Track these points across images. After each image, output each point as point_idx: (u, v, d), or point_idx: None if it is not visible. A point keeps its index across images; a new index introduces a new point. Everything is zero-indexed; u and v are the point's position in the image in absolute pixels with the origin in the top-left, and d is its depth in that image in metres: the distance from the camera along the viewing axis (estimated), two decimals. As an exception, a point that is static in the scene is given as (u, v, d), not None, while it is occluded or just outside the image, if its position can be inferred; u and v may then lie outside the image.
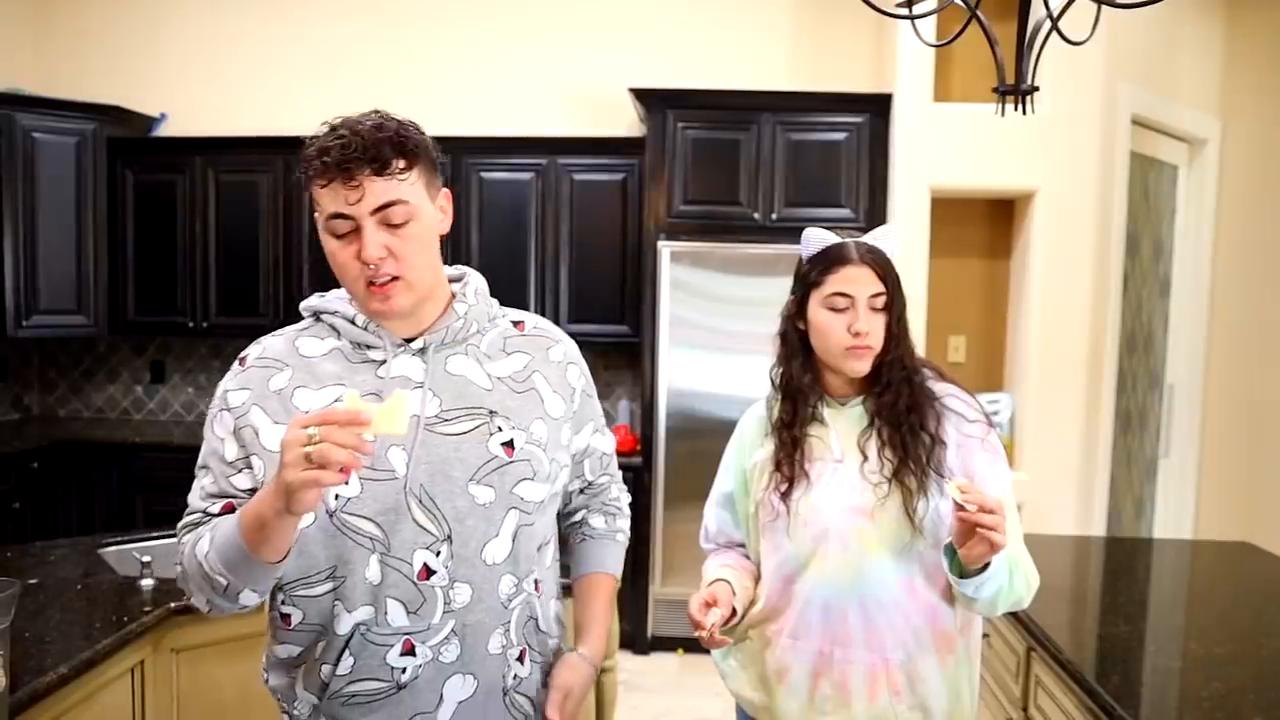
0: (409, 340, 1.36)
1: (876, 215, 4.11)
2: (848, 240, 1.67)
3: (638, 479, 4.27)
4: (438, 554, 1.30)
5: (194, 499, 1.35)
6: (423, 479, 1.30)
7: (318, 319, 1.40)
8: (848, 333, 1.61)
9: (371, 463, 1.25)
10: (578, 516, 1.61)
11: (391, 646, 1.30)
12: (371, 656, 1.30)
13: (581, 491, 1.60)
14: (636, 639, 4.28)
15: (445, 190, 1.38)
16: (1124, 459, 4.35)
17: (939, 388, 1.66)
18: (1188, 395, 4.63)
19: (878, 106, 4.11)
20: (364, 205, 1.25)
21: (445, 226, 1.37)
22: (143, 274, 4.77)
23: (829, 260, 1.65)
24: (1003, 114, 1.76)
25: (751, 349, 4.16)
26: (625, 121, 4.68)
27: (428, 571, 1.30)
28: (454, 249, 4.53)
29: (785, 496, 1.65)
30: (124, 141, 4.73)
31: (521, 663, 1.40)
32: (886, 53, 4.27)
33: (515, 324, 1.48)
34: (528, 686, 1.42)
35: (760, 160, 4.19)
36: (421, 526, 1.29)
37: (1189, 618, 2.27)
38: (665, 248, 4.21)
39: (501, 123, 4.66)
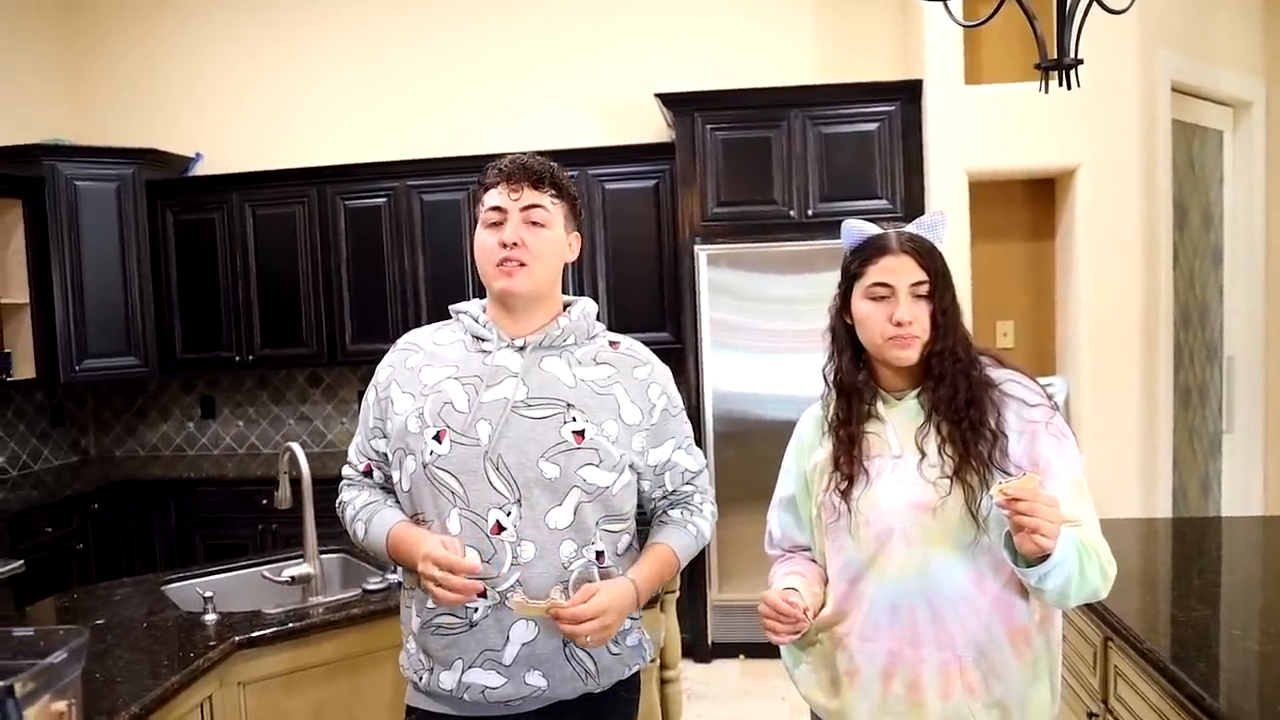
0: (515, 339, 1.67)
1: (914, 204, 4.05)
2: (888, 230, 1.63)
3: (688, 485, 4.23)
4: (509, 514, 1.58)
5: (351, 454, 1.79)
6: (501, 450, 1.59)
7: (456, 317, 1.75)
8: (889, 322, 1.58)
9: (463, 430, 1.60)
10: (658, 513, 1.82)
11: None
12: None
13: (664, 498, 1.80)
14: (696, 647, 4.24)
15: (578, 234, 1.74)
16: (1186, 436, 4.24)
17: (997, 374, 1.61)
18: (1248, 367, 4.50)
19: (908, 93, 4.05)
20: (517, 202, 1.64)
21: (571, 257, 1.72)
22: (188, 311, 4.84)
23: (869, 251, 1.62)
24: (1046, 90, 1.72)
25: (795, 348, 4.13)
26: (654, 128, 4.67)
27: (499, 528, 1.58)
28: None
29: (845, 495, 1.61)
30: (162, 183, 4.80)
31: None
32: (913, 38, 4.21)
33: (612, 343, 1.77)
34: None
35: (792, 157, 4.15)
36: (495, 488, 1.58)
37: (1269, 599, 2.19)
38: (702, 251, 4.18)
39: (531, 138, 4.65)
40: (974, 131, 3.87)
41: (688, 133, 4.21)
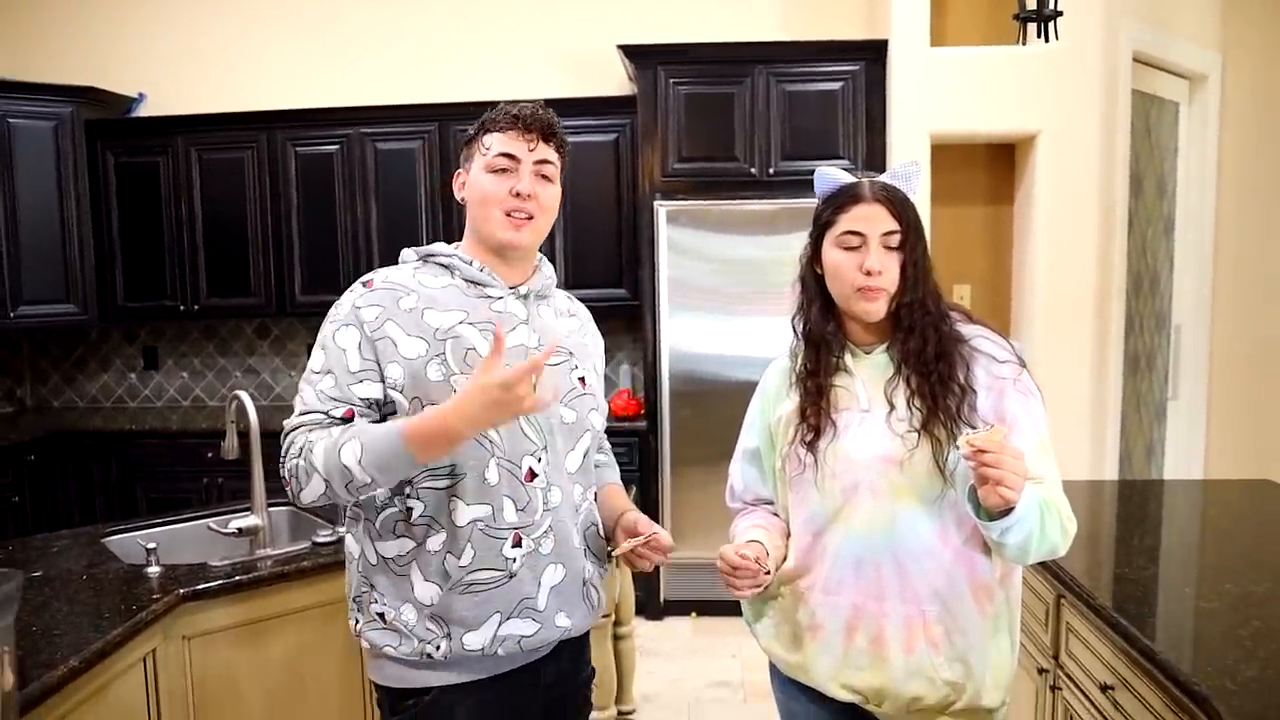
0: (513, 287, 1.65)
1: (875, 165, 4.03)
2: (862, 178, 1.60)
3: (643, 443, 4.23)
4: (539, 460, 1.57)
5: (311, 400, 1.54)
6: None
7: (426, 261, 1.65)
8: (859, 271, 1.55)
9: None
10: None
11: (505, 540, 1.55)
12: (490, 549, 1.54)
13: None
14: (649, 604, 4.25)
15: (561, 192, 1.70)
16: (1134, 402, 4.31)
17: (967, 330, 1.60)
18: (1194, 335, 4.58)
19: (873, 53, 4.02)
20: (532, 154, 1.60)
21: (555, 215, 1.68)
22: (130, 258, 4.68)
23: (841, 199, 1.59)
24: (1023, 42, 1.69)
25: (753, 310, 4.11)
26: (615, 80, 4.58)
27: (532, 474, 1.57)
28: (446, 214, 4.45)
29: (811, 447, 1.59)
30: (103, 124, 4.62)
31: (586, 558, 1.67)
32: (880, -2, 4.17)
33: (568, 297, 1.82)
34: (595, 580, 1.70)
35: (755, 114, 4.10)
36: (527, 435, 1.56)
37: (1220, 557, 2.23)
38: (661, 207, 4.13)
39: (488, 87, 4.55)
40: (938, 94, 3.86)
41: (650, 86, 4.14)
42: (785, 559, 1.66)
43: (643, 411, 4.41)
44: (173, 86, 4.82)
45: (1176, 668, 1.60)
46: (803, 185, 4.12)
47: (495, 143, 1.60)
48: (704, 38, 4.24)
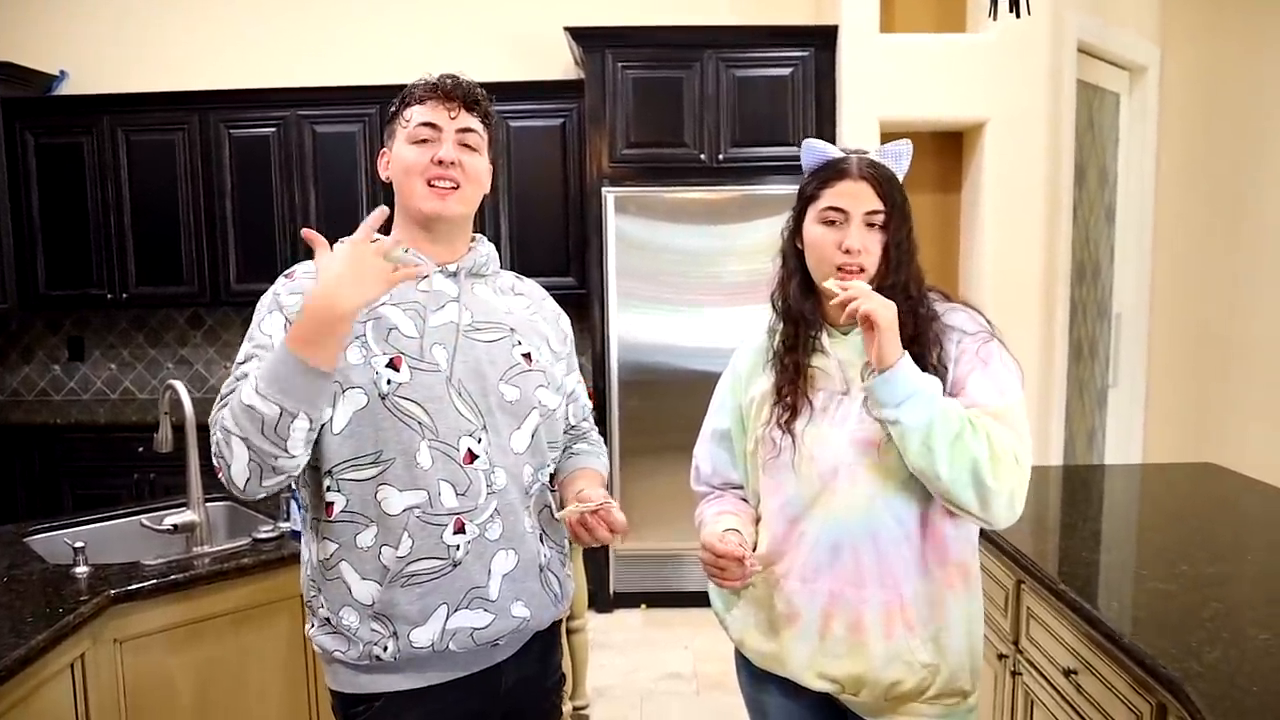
0: (442, 265, 1.57)
1: (826, 152, 4.00)
2: (849, 154, 1.56)
3: (593, 434, 4.15)
4: (479, 440, 1.48)
5: (231, 384, 1.46)
6: (461, 374, 1.50)
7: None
8: (838, 249, 1.51)
9: (420, 356, 1.47)
10: (565, 447, 1.75)
11: (445, 526, 1.46)
12: (429, 536, 1.45)
13: (566, 431, 1.73)
14: (599, 596, 4.19)
15: (491, 167, 1.64)
16: (1076, 389, 4.37)
17: (942, 307, 1.57)
18: (1134, 323, 4.66)
19: (823, 39, 3.99)
20: (455, 122, 1.54)
21: (486, 188, 1.62)
22: (52, 244, 4.46)
23: (826, 174, 1.54)
24: (994, 17, 1.66)
25: (701, 299, 4.07)
26: (561, 64, 4.50)
27: (471, 456, 1.48)
28: (387, 201, 4.31)
29: (788, 427, 1.55)
30: (21, 102, 4.39)
31: (543, 543, 1.58)
32: (829, -17, 4.15)
33: (517, 277, 1.74)
34: (554, 568, 1.61)
35: (704, 99, 4.05)
36: (463, 415, 1.48)
37: (1172, 540, 2.25)
38: (610, 194, 4.06)
39: (431, 69, 4.40)
40: (888, 80, 3.85)
41: (598, 70, 4.06)
42: (755, 546, 1.61)
43: (590, 403, 4.33)
44: (97, 64, 4.60)
45: (1143, 651, 1.59)
46: (752, 172, 4.14)
47: (416, 114, 1.54)
48: (652, 21, 4.18)
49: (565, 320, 1.75)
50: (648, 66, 4.06)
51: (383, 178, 1.60)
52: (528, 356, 1.58)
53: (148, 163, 4.41)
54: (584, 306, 4.27)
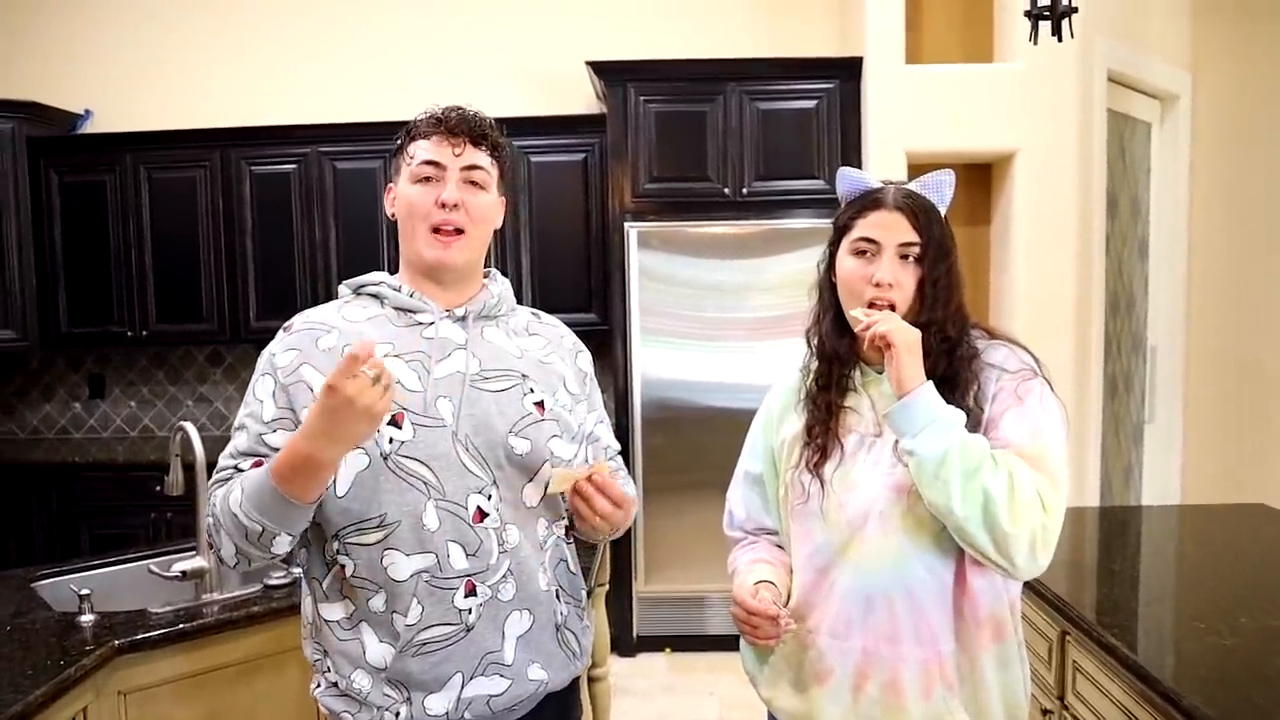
0: (450, 310, 1.50)
1: (851, 185, 3.94)
2: (887, 184, 1.49)
3: (615, 473, 4.06)
4: (489, 497, 1.41)
5: (224, 458, 1.45)
6: (468, 429, 1.41)
7: (358, 294, 1.53)
8: (868, 283, 1.44)
9: (424, 411, 1.39)
10: None
11: (456, 589, 1.38)
12: (439, 601, 1.38)
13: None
14: (621, 640, 4.08)
15: (504, 199, 1.56)
16: (1111, 425, 4.24)
17: (983, 344, 1.48)
18: (1169, 357, 4.54)
19: (848, 71, 3.94)
20: (459, 160, 1.46)
21: (498, 223, 1.55)
22: (74, 282, 4.46)
23: (861, 204, 1.47)
24: (1035, 41, 1.59)
25: (726, 335, 4.00)
26: (583, 98, 4.47)
27: (481, 514, 1.40)
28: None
29: (817, 470, 1.46)
30: (46, 141, 4.41)
31: (559, 600, 1.50)
32: (853, 14, 4.10)
33: (534, 315, 1.65)
34: (571, 624, 1.53)
35: (728, 132, 4.00)
36: (471, 471, 1.40)
37: (1228, 589, 2.13)
38: (632, 229, 4.01)
39: (449, 102, 4.41)
40: (914, 112, 3.79)
41: (620, 104, 4.03)
42: (790, 598, 1.52)
43: (617, 443, 4.25)
44: (120, 103, 4.62)
45: (1205, 714, 1.48)
46: (777, 206, 4.08)
47: (419, 150, 1.47)
48: (674, 54, 4.15)
49: (586, 358, 1.67)
50: (670, 100, 4.02)
51: (389, 215, 1.54)
52: (540, 405, 1.49)
53: (169, 200, 4.40)
54: (606, 343, 4.20)
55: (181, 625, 2.01)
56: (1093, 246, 3.86)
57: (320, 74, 4.61)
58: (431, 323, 1.48)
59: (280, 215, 4.37)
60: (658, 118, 4.02)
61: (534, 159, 4.30)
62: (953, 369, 1.43)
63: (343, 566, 1.40)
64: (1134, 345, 4.46)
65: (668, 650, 4.15)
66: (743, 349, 3.98)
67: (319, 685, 1.48)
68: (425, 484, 1.38)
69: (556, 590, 1.50)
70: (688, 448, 4.03)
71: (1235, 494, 4.13)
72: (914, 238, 1.43)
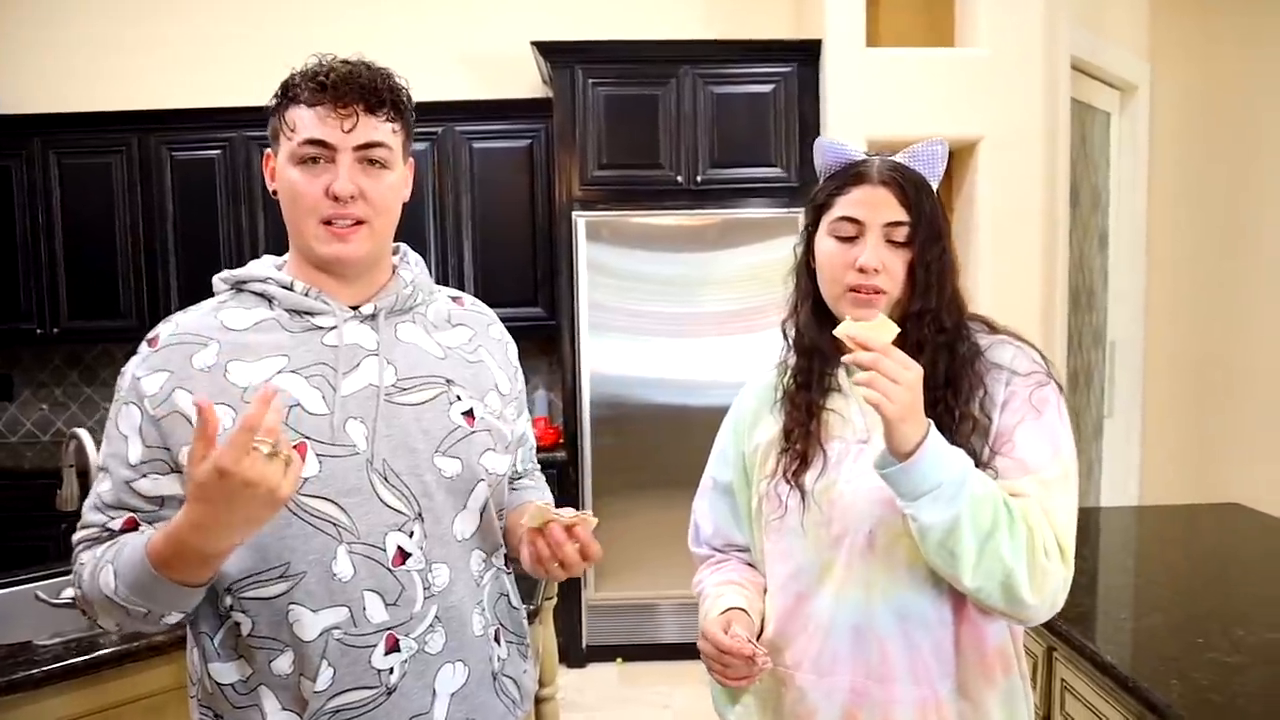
0: (355, 308, 1.25)
1: (809, 172, 3.76)
2: (871, 156, 1.31)
3: (563, 474, 3.87)
4: (411, 535, 1.19)
5: (88, 511, 1.20)
6: (385, 453, 1.19)
7: (239, 290, 1.27)
8: (851, 268, 1.25)
9: (330, 438, 1.17)
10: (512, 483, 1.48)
11: (374, 646, 1.17)
12: (354, 662, 1.17)
13: (515, 475, 1.47)
14: (570, 651, 3.89)
15: (412, 161, 1.32)
16: (1073, 421, 4.13)
17: (985, 340, 1.31)
18: (1129, 351, 4.46)
19: (806, 54, 3.78)
20: (351, 137, 1.18)
21: (407, 195, 1.30)
22: (-24, 275, 4.12)
23: (842, 179, 1.29)
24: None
25: (679, 329, 3.82)
26: (528, 82, 4.25)
27: (402, 555, 1.19)
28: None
29: (796, 480, 1.28)
30: (-56, 122, 4.07)
31: (499, 643, 1.31)
32: (810, -4, 3.95)
33: (454, 299, 1.41)
34: (511, 669, 1.34)
35: (681, 118, 3.82)
36: (389, 506, 1.19)
37: (1222, 599, 2.00)
38: (581, 218, 3.81)
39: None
40: (875, 97, 3.64)
41: (567, 87, 3.82)
42: (764, 623, 1.34)
43: (561, 440, 4.06)
44: (28, 83, 4.29)
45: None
46: (732, 194, 3.89)
47: (301, 123, 1.18)
48: (625, 35, 3.96)
49: (513, 349, 1.44)
50: (620, 83, 3.82)
51: (270, 189, 1.26)
52: (469, 415, 1.26)
53: (82, 187, 4.09)
54: (553, 339, 4.00)
55: (71, 660, 1.76)
56: (1057, 238, 3.76)
57: (248, 54, 4.32)
58: (334, 326, 1.23)
59: (204, 203, 4.09)
60: (607, 102, 3.82)
61: (477, 145, 4.08)
62: (954, 370, 1.25)
63: (238, 624, 1.18)
64: (1094, 339, 4.37)
65: (619, 661, 3.97)
66: (697, 345, 3.80)
67: None
68: (336, 526, 1.16)
69: (496, 631, 1.31)
70: (639, 447, 3.85)
71: (1193, 489, 4.06)
72: (902, 216, 1.25)
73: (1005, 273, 3.66)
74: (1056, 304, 3.77)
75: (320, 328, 1.23)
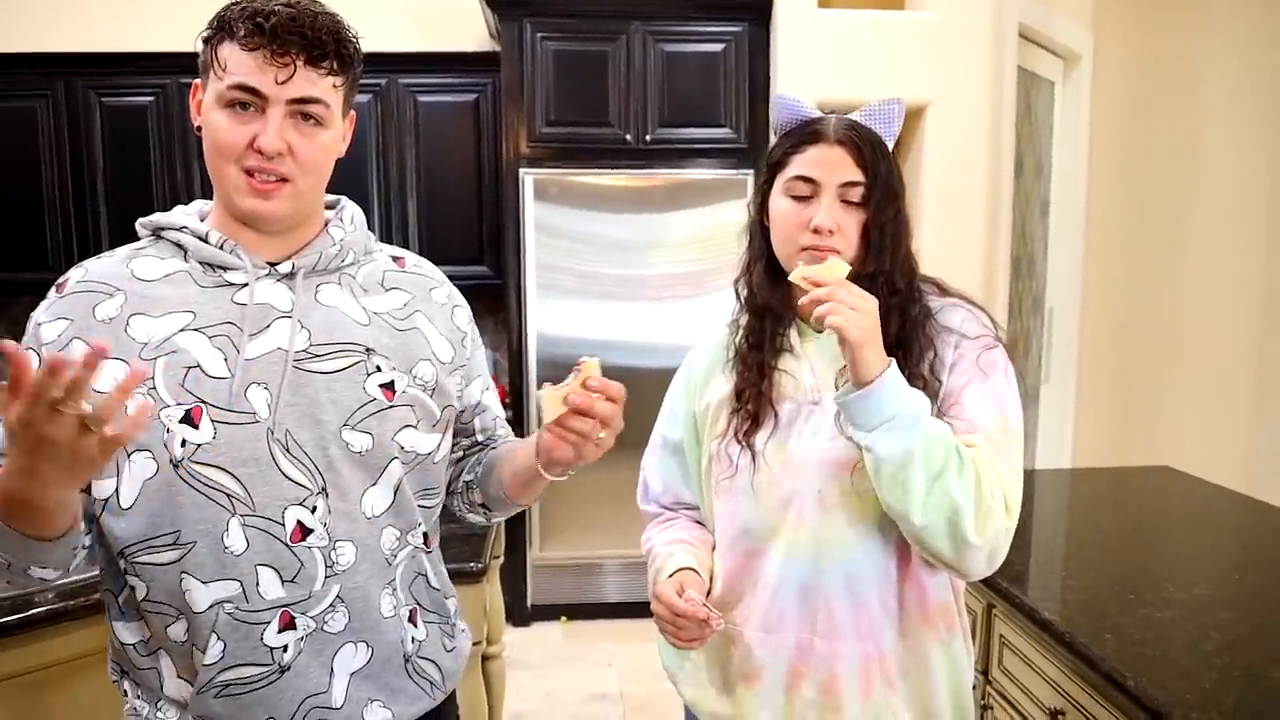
0: (274, 265, 1.17)
1: (760, 133, 3.77)
2: (828, 114, 1.30)
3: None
4: (313, 510, 1.13)
5: None
6: (289, 423, 1.12)
7: (158, 237, 1.19)
8: (805, 228, 1.25)
9: (228, 403, 1.10)
10: (472, 459, 1.38)
11: (268, 623, 1.12)
12: (245, 637, 1.12)
13: (476, 447, 1.39)
14: (515, 610, 3.89)
15: (353, 113, 1.23)
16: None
17: (936, 303, 1.32)
18: (1066, 318, 4.56)
19: (757, 14, 3.74)
20: (286, 89, 1.09)
21: (343, 150, 1.21)
22: (-108, 223, 3.94)
23: (797, 137, 1.29)
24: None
25: (626, 291, 3.81)
26: (476, 35, 4.17)
27: (303, 531, 1.13)
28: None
29: (747, 440, 1.29)
30: None
31: (414, 624, 1.24)
32: (762, -45, 3.90)
33: (395, 259, 1.31)
34: (430, 650, 1.27)
35: (631, 75, 3.77)
36: (290, 478, 1.12)
37: (1150, 556, 2.07)
38: (528, 176, 3.76)
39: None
40: (826, 59, 3.62)
41: (514, 41, 3.75)
42: (714, 581, 1.35)
43: (506, 400, 4.03)
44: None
45: (1156, 699, 1.38)
46: (682, 155, 3.87)
47: (232, 64, 1.09)
48: (574, -10, 3.88)
49: (464, 313, 1.33)
50: (570, 38, 3.76)
51: (194, 125, 1.16)
52: (389, 388, 1.17)
53: (4, 134, 3.92)
54: (500, 298, 3.96)
55: (6, 618, 1.71)
56: (1000, 205, 3.80)
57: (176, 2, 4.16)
58: (244, 284, 1.15)
59: (137, 153, 3.95)
60: (556, 57, 3.76)
61: (422, 99, 3.99)
62: (906, 331, 1.26)
63: (133, 588, 1.14)
64: (1034, 306, 4.46)
65: (564, 619, 3.99)
66: (645, 308, 3.80)
67: (128, 709, 1.21)
68: (229, 496, 1.10)
69: (411, 612, 1.24)
70: (586, 409, 3.84)
71: (1125, 455, 4.18)
72: (858, 176, 1.25)
73: (949, 238, 3.70)
74: (998, 270, 3.83)
75: (232, 284, 1.15)
